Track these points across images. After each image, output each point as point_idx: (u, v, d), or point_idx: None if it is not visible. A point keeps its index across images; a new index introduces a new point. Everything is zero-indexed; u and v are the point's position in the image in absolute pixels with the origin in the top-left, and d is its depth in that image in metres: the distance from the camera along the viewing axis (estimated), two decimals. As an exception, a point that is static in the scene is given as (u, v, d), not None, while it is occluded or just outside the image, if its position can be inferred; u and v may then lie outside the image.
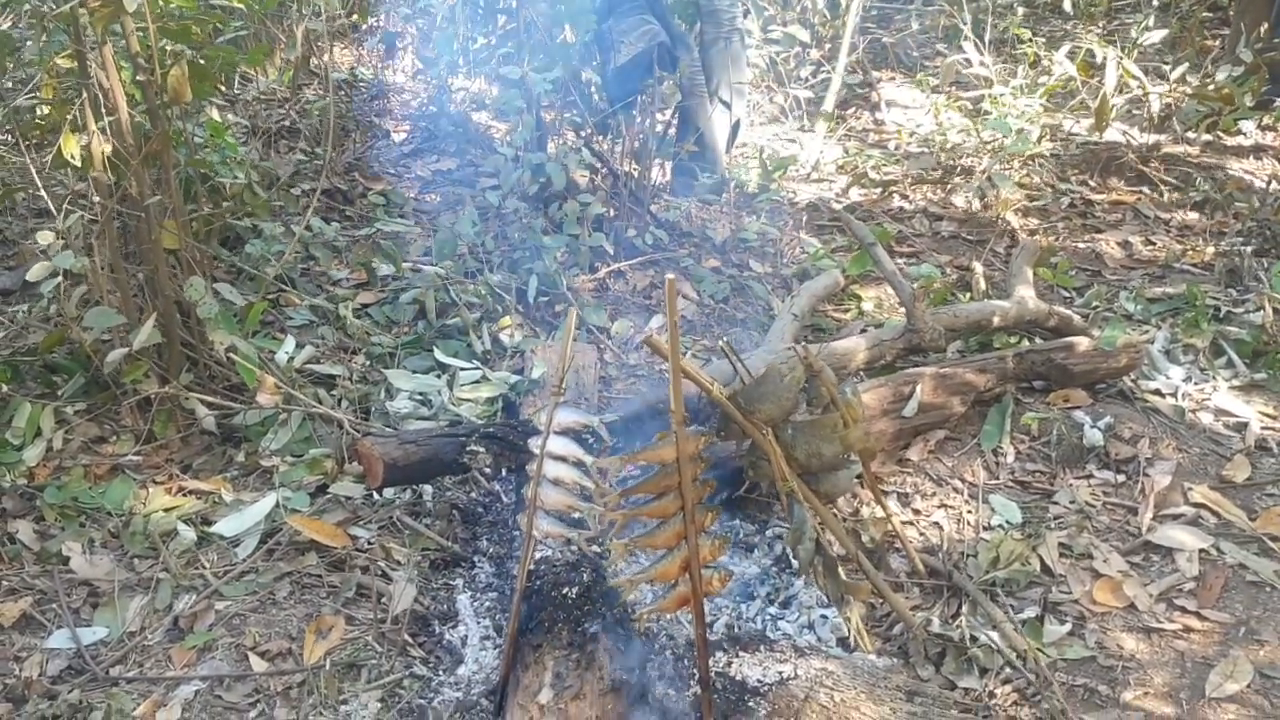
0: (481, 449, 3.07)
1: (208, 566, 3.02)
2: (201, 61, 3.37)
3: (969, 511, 3.34)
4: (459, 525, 3.20)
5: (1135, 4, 7.58)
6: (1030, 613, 2.90)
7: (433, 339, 3.92)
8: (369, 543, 3.11)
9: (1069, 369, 3.82)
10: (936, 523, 3.31)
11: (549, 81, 4.35)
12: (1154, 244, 5.09)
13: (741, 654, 2.57)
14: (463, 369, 3.68)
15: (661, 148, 4.94)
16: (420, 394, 3.60)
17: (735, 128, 5.26)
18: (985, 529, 3.27)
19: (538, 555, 2.88)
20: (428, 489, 3.29)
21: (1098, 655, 2.77)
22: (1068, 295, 4.61)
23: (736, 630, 2.84)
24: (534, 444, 2.66)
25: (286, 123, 5.75)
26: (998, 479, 3.51)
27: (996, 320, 4.02)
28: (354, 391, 3.64)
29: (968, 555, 3.14)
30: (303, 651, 2.72)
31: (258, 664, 2.67)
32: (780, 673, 2.51)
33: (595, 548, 2.82)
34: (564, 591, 2.72)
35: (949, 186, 5.46)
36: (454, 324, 4.02)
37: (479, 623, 2.85)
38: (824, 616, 2.86)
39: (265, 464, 3.42)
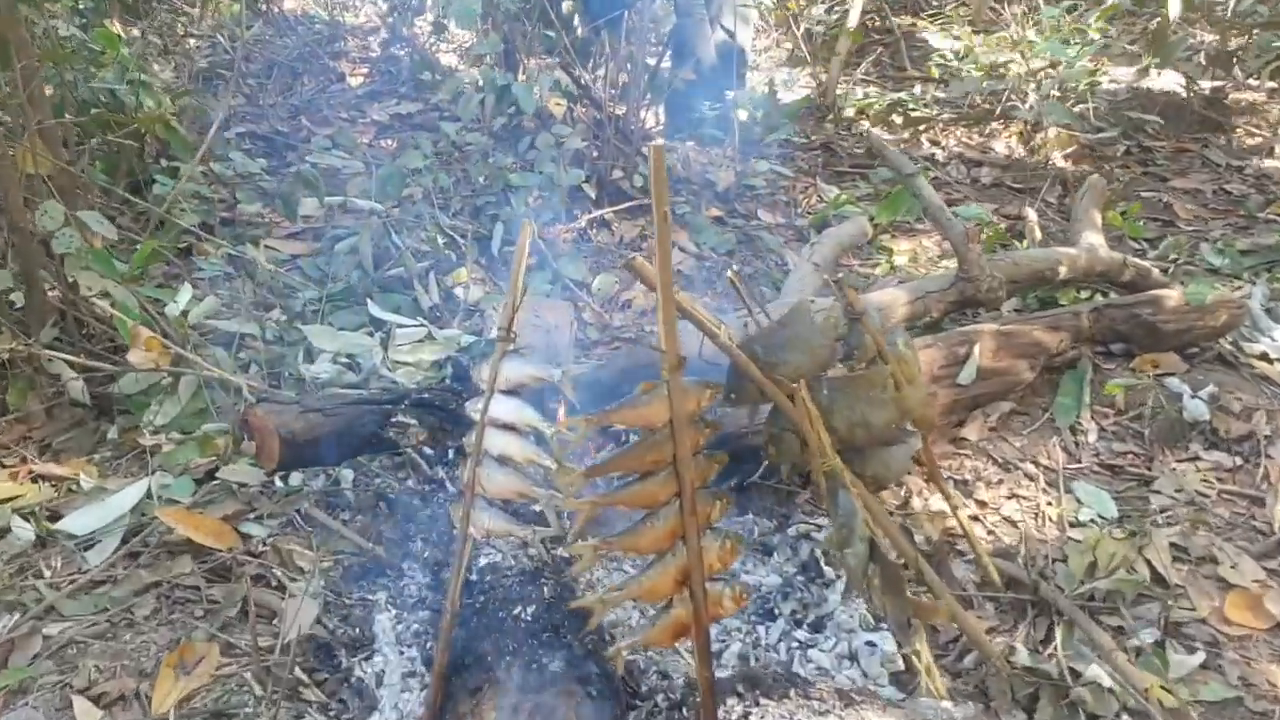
0: (413, 420, 2.32)
1: (47, 575, 2.27)
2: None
3: (1049, 504, 2.59)
4: (385, 522, 2.45)
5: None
6: (1147, 637, 2.17)
7: (369, 291, 3.16)
8: (265, 544, 2.36)
9: (1157, 328, 3.07)
10: (1008, 518, 2.56)
11: (518, -11, 3.60)
12: (1230, 193, 4.34)
13: (763, 701, 1.82)
14: (403, 326, 2.92)
15: (654, 80, 4.19)
16: (348, 356, 2.85)
17: (740, 58, 4.50)
18: (1072, 525, 2.52)
19: (482, 561, 2.14)
20: (349, 474, 2.53)
21: (1244, 695, 2.04)
22: (1138, 248, 3.87)
23: (753, 663, 2.09)
24: (473, 408, 1.92)
25: (228, 62, 5.01)
26: (1079, 462, 2.76)
27: (1063, 271, 3.28)
28: (265, 353, 2.88)
29: (1053, 560, 2.40)
30: (152, 694, 1.96)
31: (84, 714, 1.92)
32: (819, 729, 1.76)
33: (559, 550, 2.08)
34: (515, 612, 1.98)
35: (987, 130, 4.71)
36: (397, 275, 3.27)
37: (402, 653, 2.09)
38: (870, 644, 2.11)
39: (147, 443, 2.66)
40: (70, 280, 2.67)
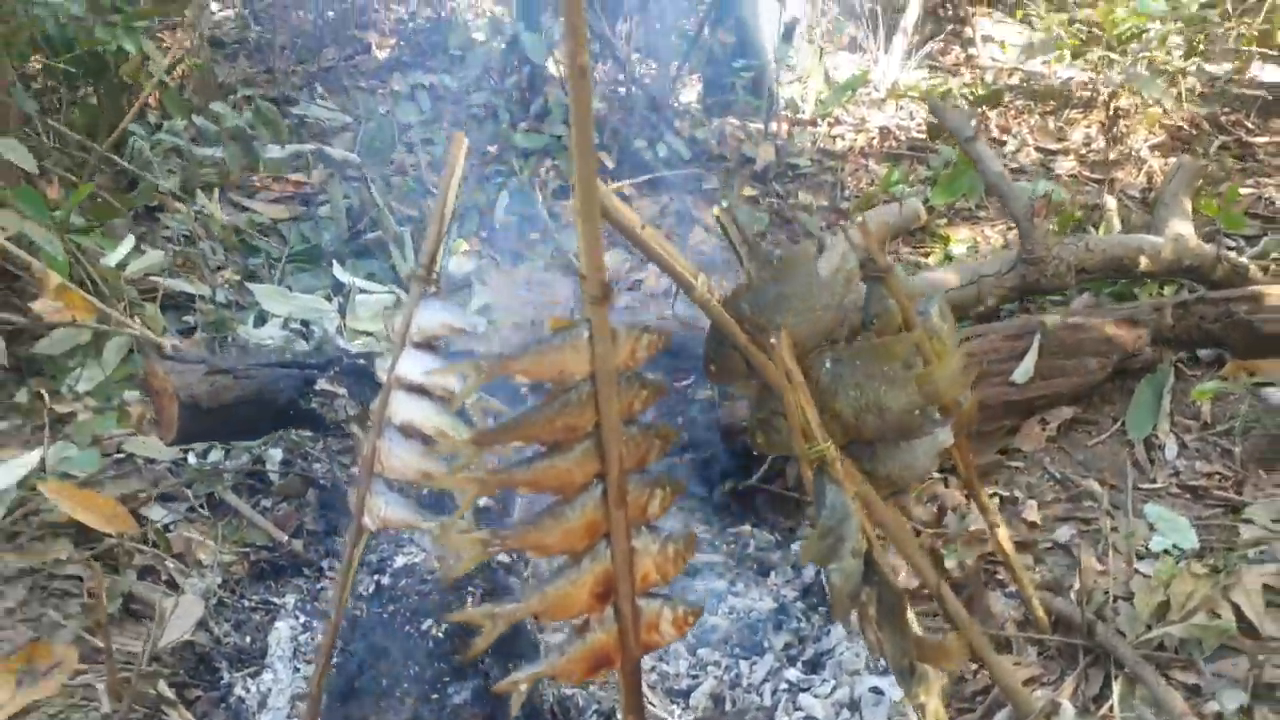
0: (340, 389, 1.94)
1: (-90, 554, 1.92)
2: None
3: (1114, 529, 2.13)
4: (311, 511, 2.06)
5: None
6: (1230, 701, 1.72)
7: (338, 253, 2.79)
8: (168, 529, 1.99)
9: (1256, 328, 2.59)
10: (1063, 545, 2.11)
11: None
12: (1341, 194, 3.83)
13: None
14: (366, 290, 2.55)
15: (692, 44, 3.79)
16: (301, 322, 2.48)
17: (790, 27, 4.08)
18: (1141, 556, 2.06)
19: (400, 561, 1.74)
20: (276, 453, 2.16)
21: (1358, 783, 1.57)
22: (1233, 244, 3.37)
23: (729, 706, 1.67)
24: (380, 367, 1.54)
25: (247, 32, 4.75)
26: (1154, 481, 2.30)
27: (1144, 262, 2.81)
28: (210, 315, 2.53)
29: (1116, 598, 1.94)
30: (-21, 705, 1.60)
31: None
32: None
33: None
34: (425, 628, 1.58)
35: (1064, 118, 4.24)
36: (379, 240, 2.90)
37: (297, 670, 1.71)
38: (876, 691, 1.68)
39: (64, 409, 2.32)
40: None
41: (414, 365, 1.50)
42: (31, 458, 2.09)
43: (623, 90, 3.48)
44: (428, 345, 1.53)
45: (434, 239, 1.57)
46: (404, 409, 1.49)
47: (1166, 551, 2.06)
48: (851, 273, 1.66)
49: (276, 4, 4.98)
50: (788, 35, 3.99)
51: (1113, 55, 4.05)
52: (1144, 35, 3.91)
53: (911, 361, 1.60)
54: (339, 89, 4.46)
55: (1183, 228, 2.98)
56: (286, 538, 1.97)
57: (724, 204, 1.80)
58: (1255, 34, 4.45)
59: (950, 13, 5.86)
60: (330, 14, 5.12)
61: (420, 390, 1.50)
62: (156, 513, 2.02)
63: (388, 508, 1.47)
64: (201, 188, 2.80)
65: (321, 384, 1.93)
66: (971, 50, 5.42)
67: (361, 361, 1.99)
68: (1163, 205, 3.11)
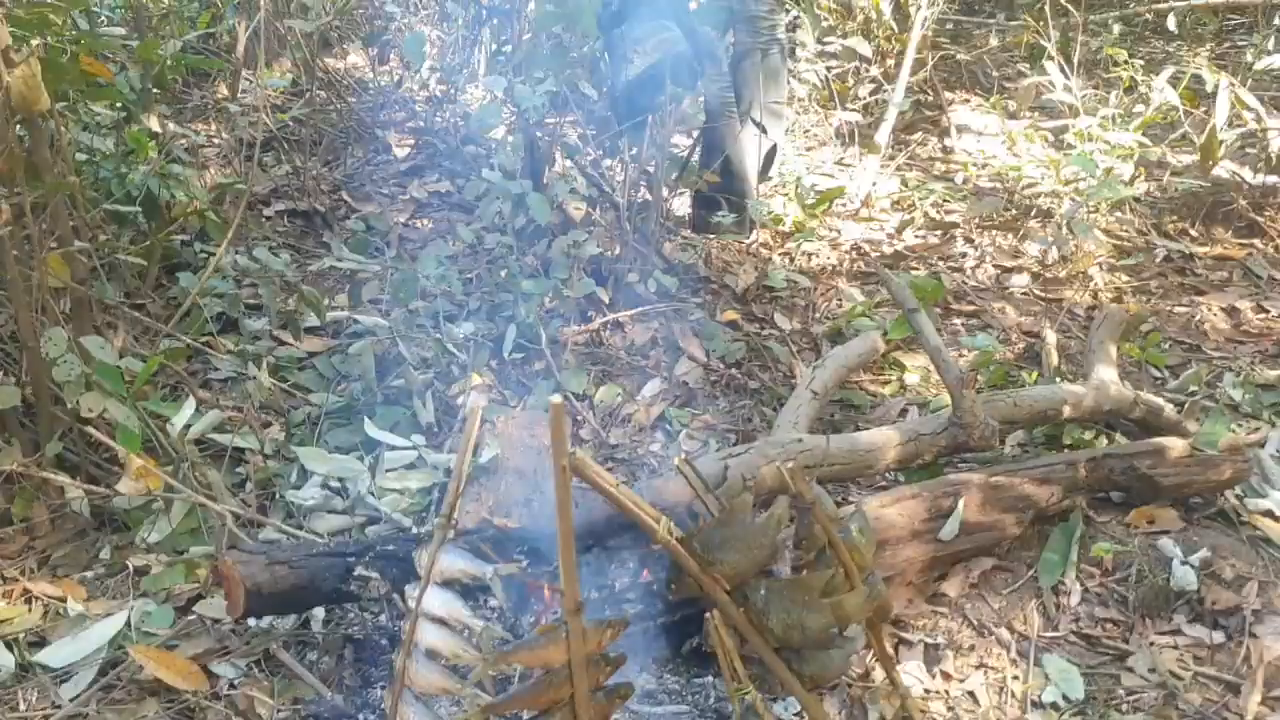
0: (374, 574, 2.38)
1: (23, 708, 2.36)
2: (66, 56, 2.73)
3: (1015, 678, 2.56)
4: (349, 666, 2.50)
5: (1251, 25, 6.67)
6: (1092, 845, 2.14)
7: (370, 405, 3.23)
8: (233, 685, 2.43)
9: (1156, 481, 3.01)
10: (972, 693, 2.54)
11: (541, 95, 3.65)
12: (1267, 311, 4.23)
13: None
14: (393, 448, 2.98)
15: (679, 176, 4.22)
16: (338, 479, 2.92)
17: (770, 155, 4.50)
18: (1035, 705, 2.49)
19: (425, 733, 2.18)
20: (319, 613, 2.60)
21: None
22: (1159, 376, 3.79)
23: None
24: (410, 594, 1.97)
25: (283, 132, 5.16)
26: (1057, 629, 2.72)
27: (1067, 411, 3.23)
28: (260, 471, 2.97)
29: (1009, 746, 2.38)
30: None
31: None
32: None
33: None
34: (445, 796, 2.02)
35: (1022, 232, 4.65)
36: (400, 386, 3.34)
37: (343, 819, 2.15)
38: (805, 836, 2.12)
39: (138, 562, 2.77)
40: (72, 404, 2.78)
41: (437, 601, 1.94)
42: (119, 618, 2.54)
43: (619, 229, 3.89)
44: (447, 584, 1.96)
45: (452, 495, 2.00)
46: (428, 635, 1.92)
47: (1055, 704, 2.49)
48: (781, 517, 2.09)
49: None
50: (768, 163, 4.41)
51: (1061, 190, 4.46)
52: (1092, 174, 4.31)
53: (830, 590, 2.03)
54: (363, 196, 4.90)
55: (1106, 373, 3.40)
56: (330, 692, 2.41)
57: (681, 455, 2.22)
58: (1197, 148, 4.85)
59: (930, 98, 6.27)
60: (347, 109, 5.54)
61: (441, 621, 1.94)
62: (223, 669, 2.46)
63: (414, 715, 1.90)
64: (253, 360, 3.22)
65: (359, 570, 2.37)
66: (948, 141, 5.83)
67: (390, 548, 2.42)
68: (1090, 351, 3.52)
